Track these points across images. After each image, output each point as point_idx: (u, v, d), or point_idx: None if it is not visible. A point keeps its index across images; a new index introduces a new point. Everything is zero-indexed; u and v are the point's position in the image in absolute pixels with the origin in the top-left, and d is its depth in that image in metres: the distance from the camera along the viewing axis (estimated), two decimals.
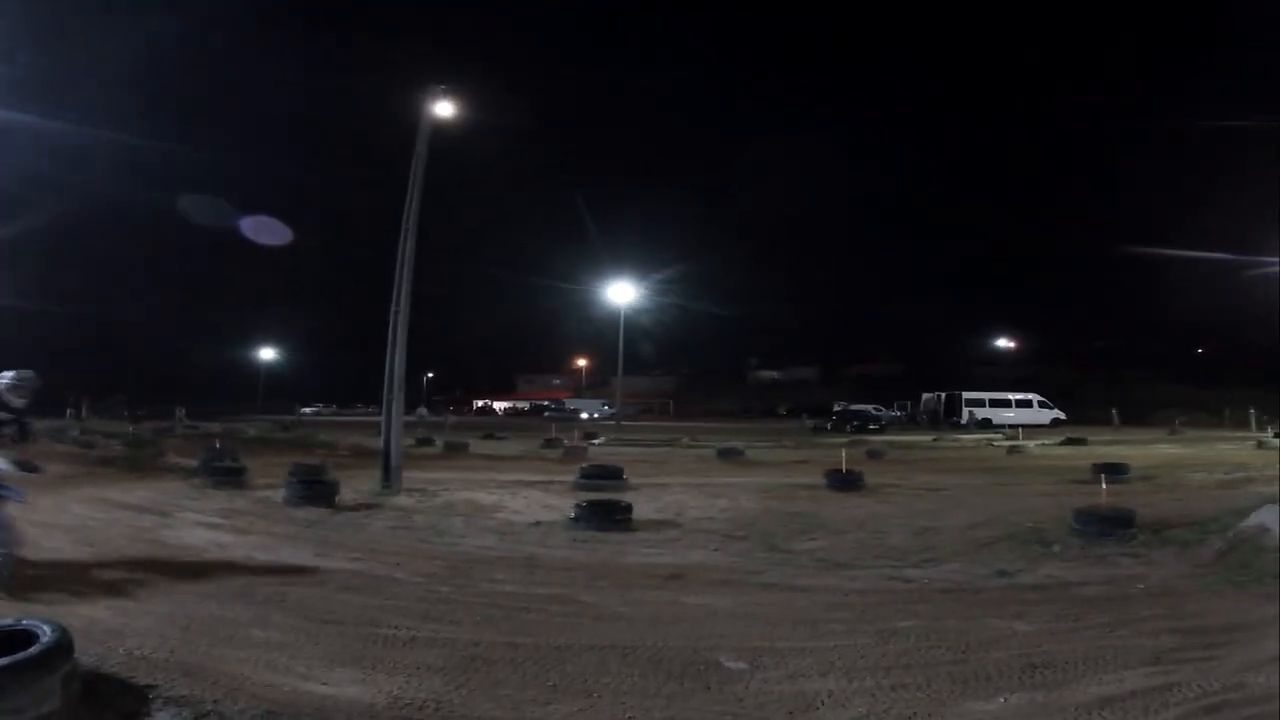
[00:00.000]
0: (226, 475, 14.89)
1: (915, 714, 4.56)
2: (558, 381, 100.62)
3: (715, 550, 9.33)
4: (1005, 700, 4.76)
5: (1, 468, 6.72)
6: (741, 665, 5.22)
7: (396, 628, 5.92)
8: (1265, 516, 9.28)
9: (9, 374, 7.05)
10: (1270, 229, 42.67)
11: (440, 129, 16.57)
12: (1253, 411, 41.41)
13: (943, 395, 53.91)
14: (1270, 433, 33.15)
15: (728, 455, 23.93)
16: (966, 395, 52.35)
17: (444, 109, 16.44)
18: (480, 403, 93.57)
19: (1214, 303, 64.21)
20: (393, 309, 15.36)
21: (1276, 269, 39.40)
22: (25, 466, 6.97)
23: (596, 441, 30.97)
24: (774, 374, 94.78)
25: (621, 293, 52.86)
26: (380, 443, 15.44)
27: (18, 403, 7.03)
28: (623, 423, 48.23)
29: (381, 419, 15.56)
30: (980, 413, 50.16)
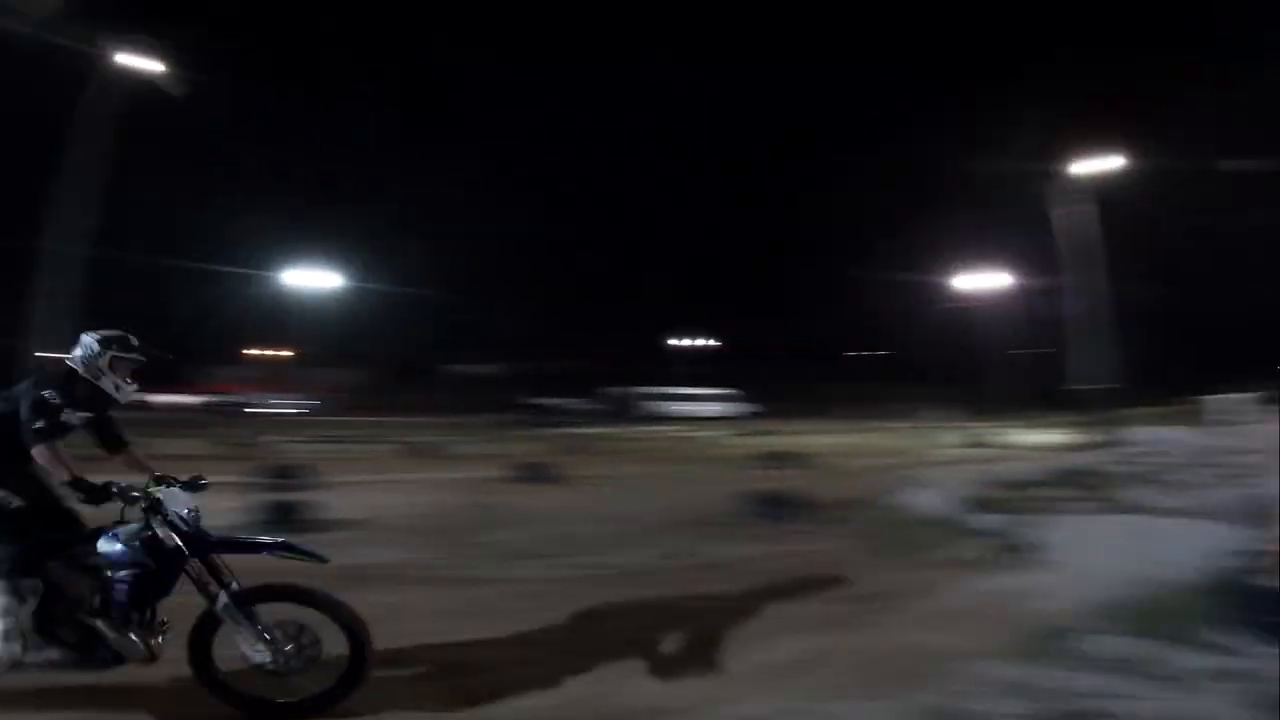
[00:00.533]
0: None
1: (594, 694, 4.80)
2: (243, 374, 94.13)
3: (405, 548, 9.21)
4: (680, 672, 5.16)
5: (181, 512, 4.42)
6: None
7: None
8: (913, 494, 10.44)
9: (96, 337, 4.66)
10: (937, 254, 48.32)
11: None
12: (913, 404, 45.86)
13: (634, 388, 55.79)
14: (925, 422, 36.93)
15: (423, 450, 23.60)
16: (655, 388, 54.46)
17: (136, 62, 14.84)
18: (157, 396, 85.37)
19: (897, 310, 71.07)
20: (39, 285, 13.80)
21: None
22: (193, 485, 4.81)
23: (284, 438, 29.46)
24: (473, 367, 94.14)
25: (311, 280, 50.57)
26: None
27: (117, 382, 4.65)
28: (313, 417, 46.27)
29: None
30: (668, 405, 52.29)
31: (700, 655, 5.46)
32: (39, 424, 4.26)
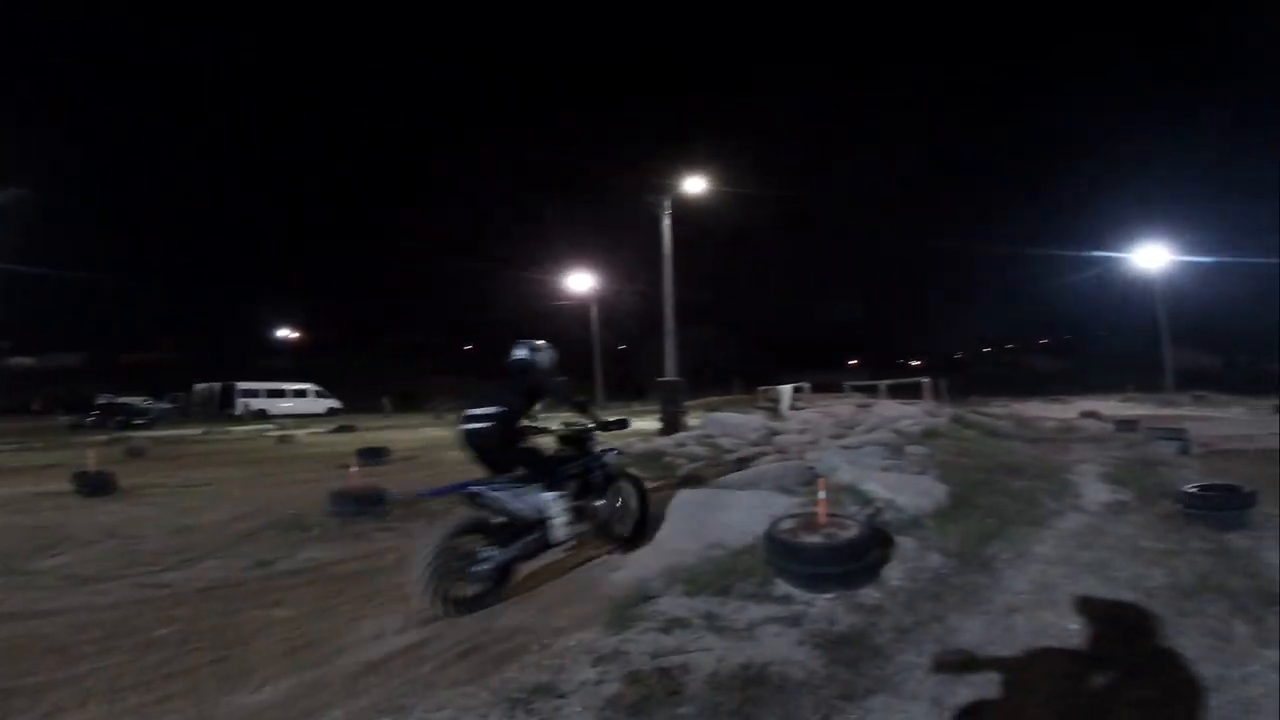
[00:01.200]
0: None
1: None
2: None
3: None
4: (273, 687, 4.84)
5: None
6: None
7: None
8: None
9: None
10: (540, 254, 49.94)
11: None
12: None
13: (218, 386, 52.17)
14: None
15: None
16: (242, 385, 51.31)
17: None
18: None
19: (483, 308, 72.36)
20: None
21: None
22: None
23: None
24: (29, 360, 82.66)
25: None
26: None
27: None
28: None
29: None
30: (256, 403, 49.62)
31: (296, 662, 5.23)
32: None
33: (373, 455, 17.72)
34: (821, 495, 6.80)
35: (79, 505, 12.40)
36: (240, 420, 44.92)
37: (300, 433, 30.08)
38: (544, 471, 7.10)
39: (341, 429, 32.66)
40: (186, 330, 78.57)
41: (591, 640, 5.15)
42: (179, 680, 4.99)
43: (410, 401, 54.93)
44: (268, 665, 5.17)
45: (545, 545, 6.98)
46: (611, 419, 8.18)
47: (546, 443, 7.79)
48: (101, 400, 47.13)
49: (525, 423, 7.32)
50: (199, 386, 54.09)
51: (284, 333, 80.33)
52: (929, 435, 14.85)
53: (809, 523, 6.47)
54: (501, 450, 6.98)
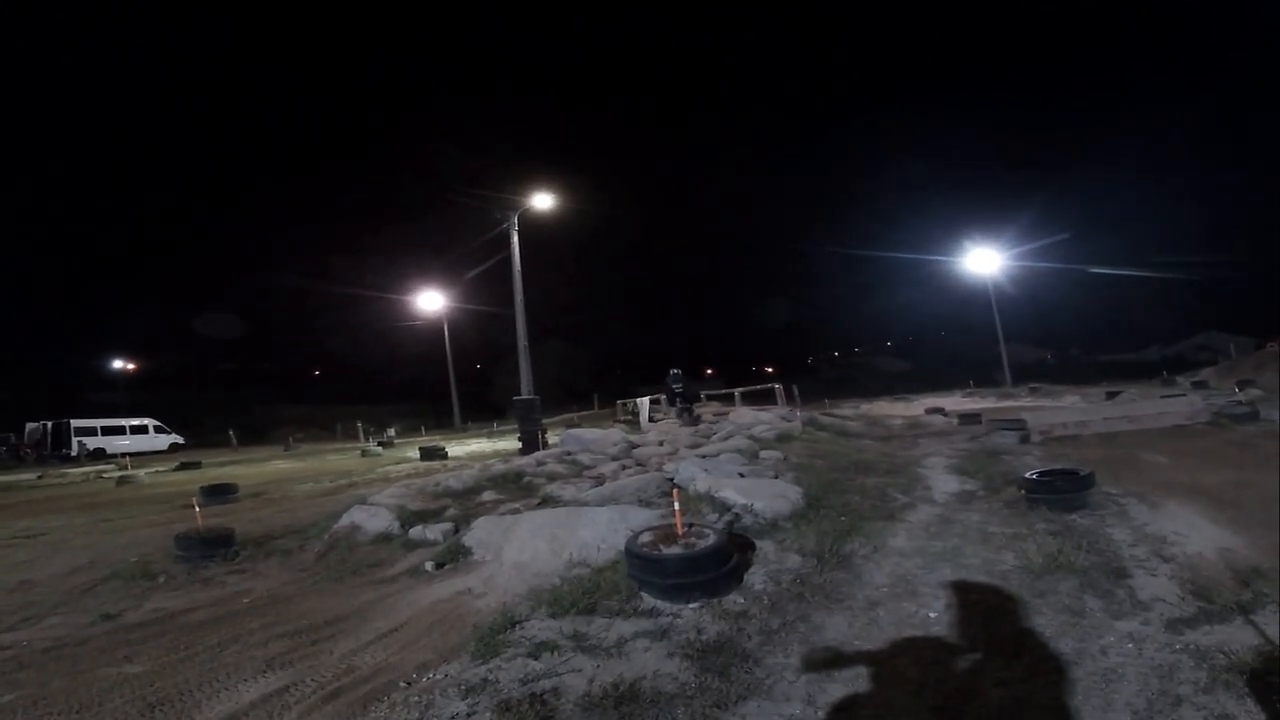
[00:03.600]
0: None
1: None
2: None
3: None
4: None
5: None
6: None
7: None
8: (356, 516, 10.41)
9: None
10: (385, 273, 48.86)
11: None
12: (360, 424, 45.83)
13: (49, 424, 49.12)
14: (374, 442, 37.10)
15: None
16: (75, 423, 48.44)
17: None
18: None
19: (329, 332, 70.45)
20: None
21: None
22: None
23: None
24: None
25: None
26: None
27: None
28: None
29: None
30: (92, 442, 46.91)
31: (159, 718, 5.00)
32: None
33: (220, 493, 16.99)
34: (677, 506, 6.90)
35: None
36: (76, 461, 42.44)
37: (141, 472, 28.58)
38: None
39: (185, 466, 31.23)
40: (14, 363, 73.71)
41: (459, 671, 5.10)
42: None
43: (258, 433, 53.02)
44: None
45: None
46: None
47: None
48: None
49: None
50: (30, 425, 50.77)
51: (119, 364, 76.20)
52: (783, 439, 15.25)
53: (668, 534, 6.57)
54: None
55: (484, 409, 52.60)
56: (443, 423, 51.17)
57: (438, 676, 5.09)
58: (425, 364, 59.03)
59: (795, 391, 35.55)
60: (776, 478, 10.23)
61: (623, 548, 6.66)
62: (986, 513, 8.82)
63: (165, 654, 6.30)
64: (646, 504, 9.00)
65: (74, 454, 45.11)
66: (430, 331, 56.86)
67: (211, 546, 9.66)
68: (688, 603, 5.92)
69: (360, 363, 69.82)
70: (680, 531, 6.58)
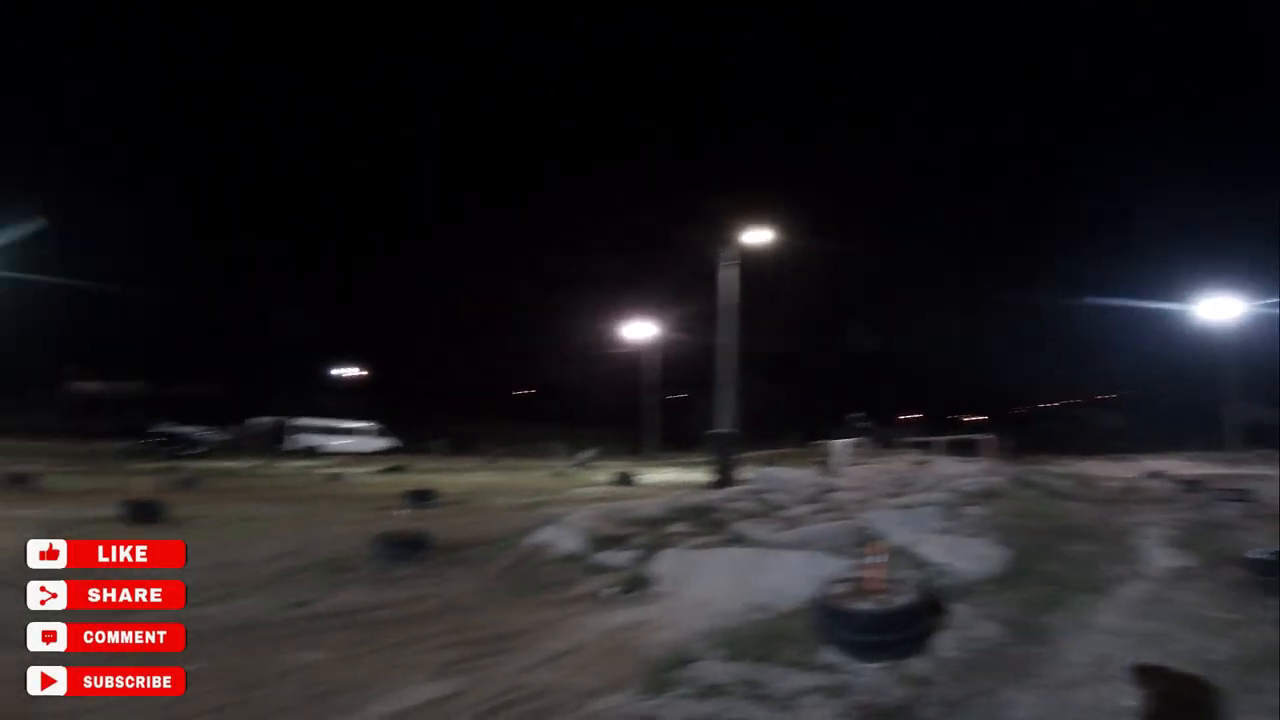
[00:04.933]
0: None
1: None
2: None
3: None
4: None
5: None
6: None
7: None
8: (548, 534, 10.42)
9: None
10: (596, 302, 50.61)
11: None
12: (559, 445, 46.68)
13: (274, 420, 52.69)
14: (571, 463, 37.65)
15: (15, 482, 20.48)
16: (297, 421, 51.80)
17: None
18: None
19: (541, 355, 72.98)
20: None
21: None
22: None
23: None
24: (95, 386, 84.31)
25: None
26: None
27: None
28: None
29: None
30: (311, 439, 49.97)
31: (318, 709, 5.08)
32: None
33: (421, 498, 17.50)
34: (874, 559, 6.49)
35: (125, 533, 12.37)
36: (294, 455, 45.19)
37: (351, 471, 30.15)
38: None
39: (392, 469, 32.61)
40: (245, 364, 79.83)
41: (625, 703, 4.93)
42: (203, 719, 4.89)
43: (464, 444, 54.97)
44: (291, 710, 5.04)
45: None
46: None
47: None
48: (157, 429, 47.78)
49: None
50: (253, 420, 54.63)
51: (342, 371, 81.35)
52: (988, 496, 14.39)
53: (860, 587, 6.18)
54: None
55: (678, 439, 52.64)
56: (637, 450, 51.52)
57: (602, 706, 4.94)
58: (624, 391, 59.71)
59: (1003, 444, 33.86)
60: (978, 537, 9.60)
61: (809, 595, 6.33)
62: (1204, 593, 7.96)
63: (345, 646, 6.43)
64: (838, 552, 8.59)
65: (293, 448, 48.09)
66: (632, 360, 57.62)
67: (406, 548, 9.90)
68: (871, 662, 5.54)
69: (563, 386, 71.65)
70: (874, 586, 6.18)
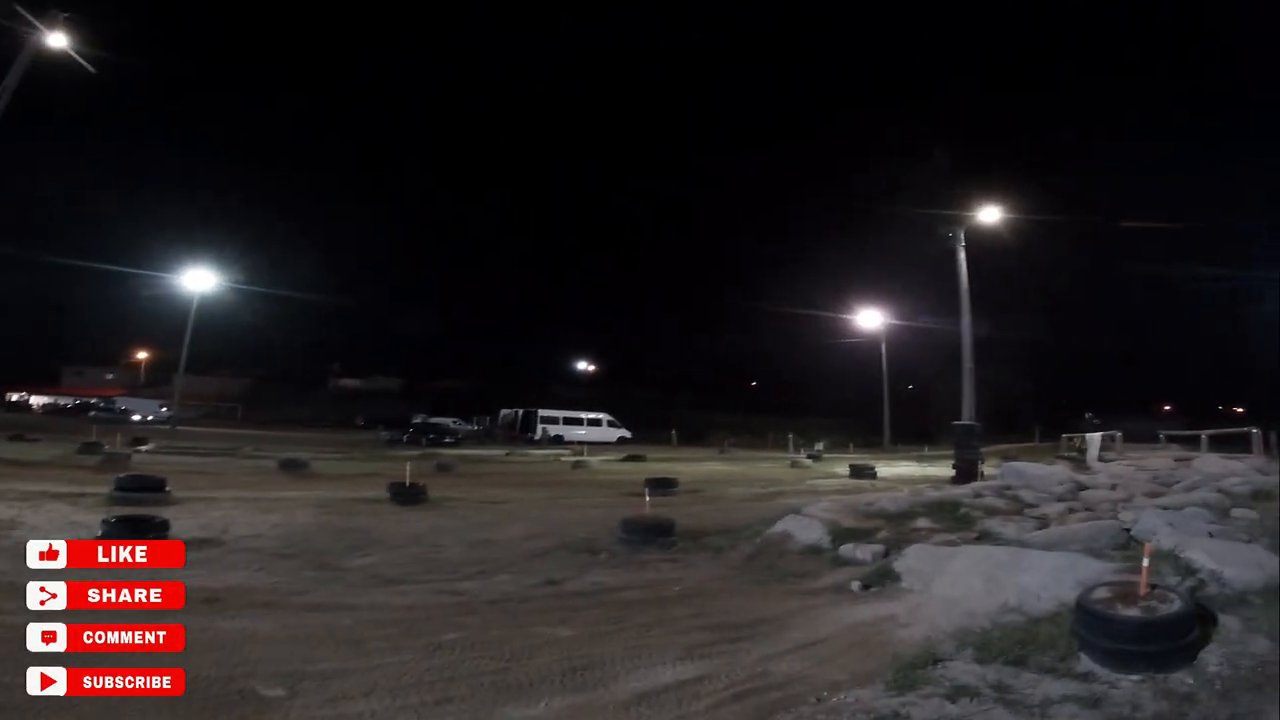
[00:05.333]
0: None
1: None
2: (111, 376, 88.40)
3: (259, 570, 8.77)
4: (546, 704, 4.90)
5: None
6: (279, 691, 4.93)
7: None
8: (789, 524, 10.42)
9: None
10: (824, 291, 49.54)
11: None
12: (791, 436, 46.25)
13: (520, 411, 55.23)
14: (804, 454, 37.30)
15: (291, 467, 22.58)
16: (542, 412, 53.98)
17: (57, 40, 13.97)
18: (14, 396, 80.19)
19: (770, 347, 72.53)
20: None
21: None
22: None
23: (144, 448, 27.86)
24: (357, 382, 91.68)
25: (196, 280, 48.56)
26: None
27: None
28: (179, 427, 44.18)
29: None
30: (554, 429, 51.92)
31: (572, 682, 5.29)
32: None
33: (661, 485, 17.87)
34: (1145, 562, 6.11)
35: (390, 512, 13.49)
36: (538, 444, 47.03)
37: (593, 459, 31.15)
38: None
39: (631, 458, 33.40)
40: (493, 360, 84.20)
41: (871, 698, 4.88)
42: (459, 685, 5.18)
43: (696, 435, 55.47)
44: (545, 682, 5.26)
45: None
46: None
47: None
48: (416, 419, 51.29)
49: None
50: (504, 411, 57.51)
51: (581, 365, 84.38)
52: (1259, 497, 13.15)
53: (1126, 593, 5.83)
54: None
55: (913, 431, 50.85)
56: (870, 442, 50.18)
57: (848, 699, 4.91)
58: (857, 381, 58.26)
59: (1274, 439, 30.67)
60: (1250, 542, 8.83)
61: (1065, 599, 6.05)
62: None
63: (595, 624, 6.70)
64: (1096, 555, 8.13)
65: (537, 438, 50.20)
66: (865, 349, 55.97)
67: (652, 534, 10.22)
68: (1130, 673, 5.23)
69: (795, 376, 70.90)
70: (1142, 591, 5.83)
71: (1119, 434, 29.84)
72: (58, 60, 14.76)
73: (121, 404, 67.69)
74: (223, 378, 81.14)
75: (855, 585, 8.04)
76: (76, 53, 14.73)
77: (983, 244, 26.39)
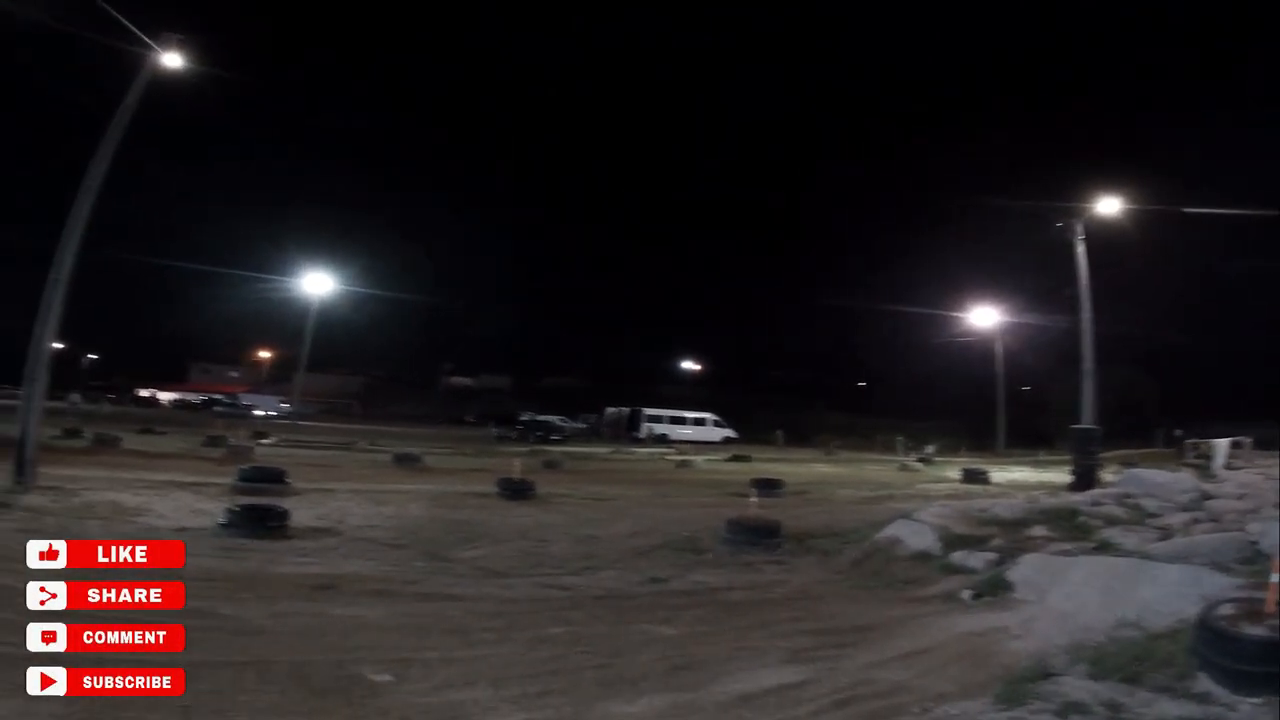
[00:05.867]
0: None
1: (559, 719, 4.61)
2: (235, 374, 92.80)
3: (373, 559, 9.06)
4: (648, 702, 4.91)
5: None
6: (387, 677, 5.07)
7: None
8: (898, 529, 10.22)
9: None
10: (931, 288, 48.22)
11: (158, 82, 14.86)
12: (900, 438, 45.30)
13: (626, 410, 55.62)
14: (913, 457, 36.54)
15: (404, 461, 23.30)
16: (647, 411, 54.21)
17: (172, 60, 14.70)
18: (145, 392, 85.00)
19: (877, 346, 71.28)
20: (51, 275, 13.68)
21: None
22: None
23: (266, 441, 29.07)
24: (467, 380, 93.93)
25: (315, 283, 50.50)
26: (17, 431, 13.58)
27: None
28: (299, 422, 45.91)
29: (20, 404, 13.83)
30: (658, 428, 52.06)
31: (674, 681, 5.29)
32: None
33: (766, 486, 17.69)
34: (1275, 578, 5.82)
35: (499, 507, 13.75)
36: (643, 443, 47.21)
37: (698, 459, 31.15)
38: None
39: (736, 458, 33.22)
40: (599, 359, 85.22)
41: (978, 712, 4.76)
42: (562, 678, 5.24)
43: (801, 436, 54.89)
44: (647, 679, 5.28)
45: None
46: None
47: None
48: (524, 417, 52.08)
49: None
50: (610, 410, 58.03)
51: (686, 364, 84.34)
52: None
53: (1252, 610, 5.57)
54: None
55: (1028, 435, 48.97)
56: (982, 445, 48.55)
57: (954, 711, 4.80)
58: (968, 383, 56.53)
59: None
60: None
61: (1186, 614, 5.78)
62: None
63: (698, 624, 6.70)
64: (1222, 568, 7.78)
65: (642, 436, 50.40)
66: (977, 349, 53.89)
67: (757, 535, 10.16)
68: (1251, 695, 4.98)
69: (903, 377, 69.38)
70: (1269, 609, 5.55)
71: (1248, 440, 28.41)
72: (177, 79, 15.31)
73: (245, 400, 70.73)
74: (340, 376, 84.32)
75: (966, 594, 7.86)
76: (193, 71, 15.25)
77: (1107, 237, 25.27)
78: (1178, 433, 38.69)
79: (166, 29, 14.80)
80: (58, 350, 17.38)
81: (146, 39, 14.51)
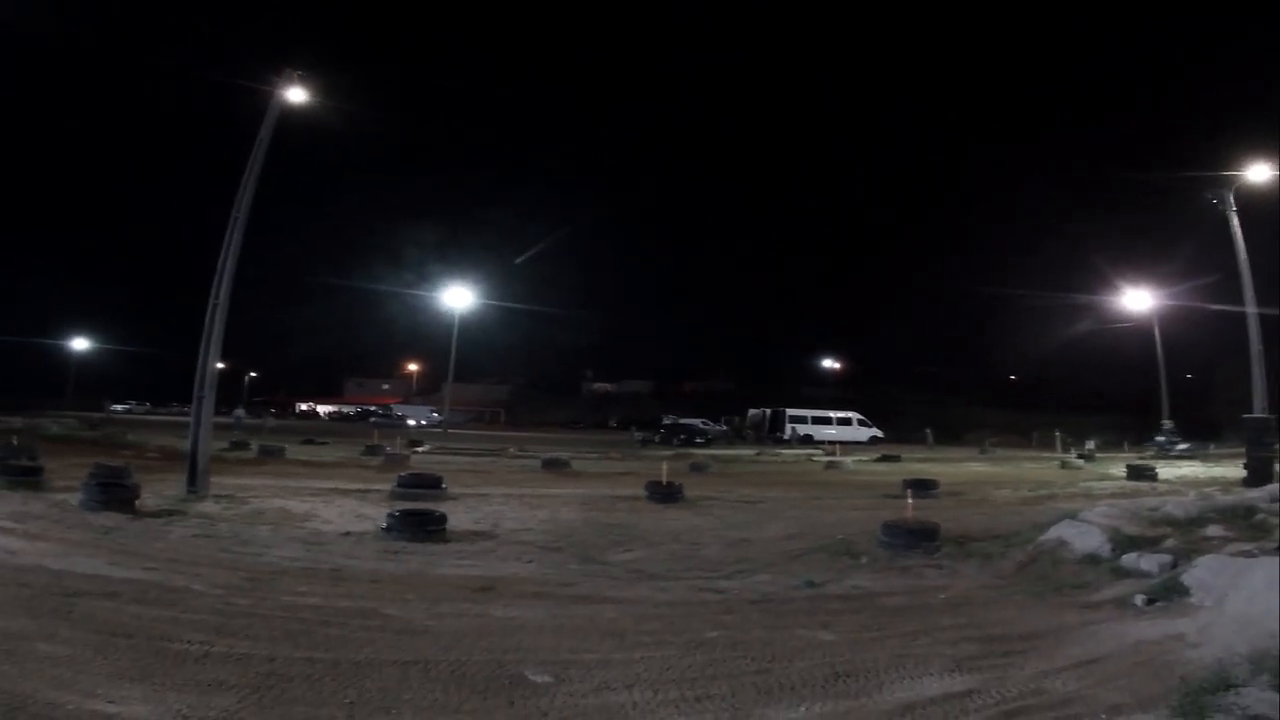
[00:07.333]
0: (22, 475, 13.66)
1: None
2: (387, 386, 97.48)
3: (529, 562, 9.22)
4: (808, 709, 4.81)
5: None
6: (547, 678, 5.11)
7: (189, 642, 5.53)
8: (1064, 531, 9.78)
9: None
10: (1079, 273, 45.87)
11: (287, 116, 15.78)
12: (1058, 434, 43.32)
13: (768, 411, 55.28)
14: (1074, 453, 34.98)
15: (553, 466, 23.83)
16: (790, 412, 53.81)
17: (295, 94, 15.63)
18: (304, 406, 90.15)
19: (1026, 337, 68.60)
20: (211, 300, 14.63)
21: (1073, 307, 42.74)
22: None
23: (420, 449, 30.33)
24: (608, 386, 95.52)
25: (457, 297, 52.14)
26: (189, 445, 14.57)
27: None
28: (450, 431, 47.47)
29: (191, 420, 14.80)
30: (803, 429, 51.64)
31: (835, 688, 5.16)
32: None
33: (920, 487, 17.22)
34: None
35: (649, 510, 13.86)
36: (788, 444, 46.85)
37: (846, 459, 30.67)
38: None
39: (885, 458, 32.56)
40: (740, 362, 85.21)
41: None
42: (720, 683, 5.18)
43: (952, 434, 53.46)
44: (807, 686, 5.17)
45: None
46: None
47: None
48: (667, 421, 52.46)
49: None
50: (752, 411, 57.86)
51: (827, 363, 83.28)
52: None
53: None
54: None
55: (1195, 426, 45.76)
56: (1146, 439, 45.82)
57: None
58: (1128, 373, 53.46)
59: None
60: None
61: None
62: None
63: (858, 630, 6.54)
64: None
65: (786, 437, 50.04)
66: (1133, 336, 49.88)
67: (915, 538, 9.88)
68: None
69: (1059, 371, 66.69)
70: None
71: None
72: (309, 113, 16.22)
73: (397, 410, 73.73)
74: (486, 385, 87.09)
75: (1139, 599, 7.44)
76: (318, 105, 16.13)
77: (1268, 208, 23.29)
78: None
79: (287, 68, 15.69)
80: (222, 369, 18.51)
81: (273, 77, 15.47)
